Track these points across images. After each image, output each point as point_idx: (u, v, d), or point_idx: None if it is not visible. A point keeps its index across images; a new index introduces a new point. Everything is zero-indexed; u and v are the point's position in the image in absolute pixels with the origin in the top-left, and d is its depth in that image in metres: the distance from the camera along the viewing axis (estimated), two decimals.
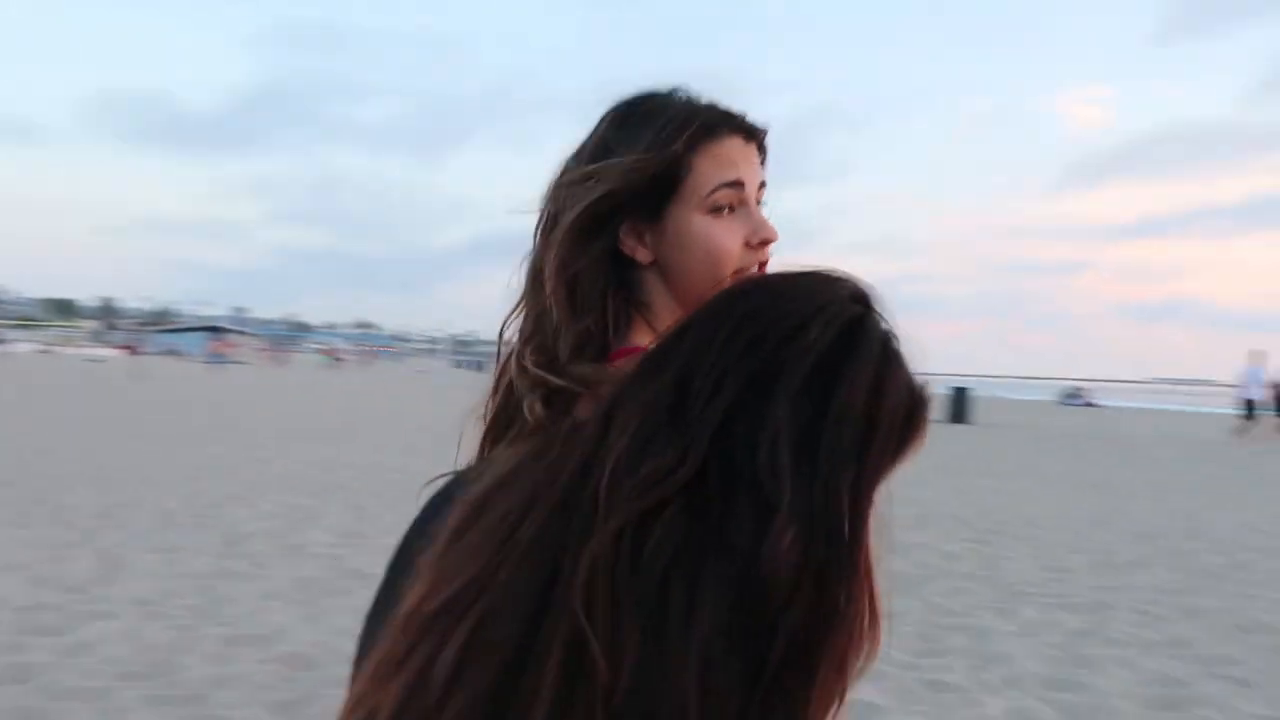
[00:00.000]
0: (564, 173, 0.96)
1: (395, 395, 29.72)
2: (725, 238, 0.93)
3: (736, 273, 0.93)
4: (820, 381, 0.65)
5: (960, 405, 24.13)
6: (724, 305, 0.70)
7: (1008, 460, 14.87)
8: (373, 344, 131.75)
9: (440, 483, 0.87)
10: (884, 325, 0.72)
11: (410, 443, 14.07)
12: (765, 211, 0.97)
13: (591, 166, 0.92)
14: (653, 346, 0.71)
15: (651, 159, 0.91)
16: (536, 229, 0.96)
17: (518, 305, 0.96)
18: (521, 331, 0.94)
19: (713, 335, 0.67)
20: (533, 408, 0.86)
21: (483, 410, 0.97)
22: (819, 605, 0.61)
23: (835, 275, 0.73)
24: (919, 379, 0.72)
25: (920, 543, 7.69)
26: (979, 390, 27.71)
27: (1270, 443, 19.17)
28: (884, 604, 0.66)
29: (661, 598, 0.60)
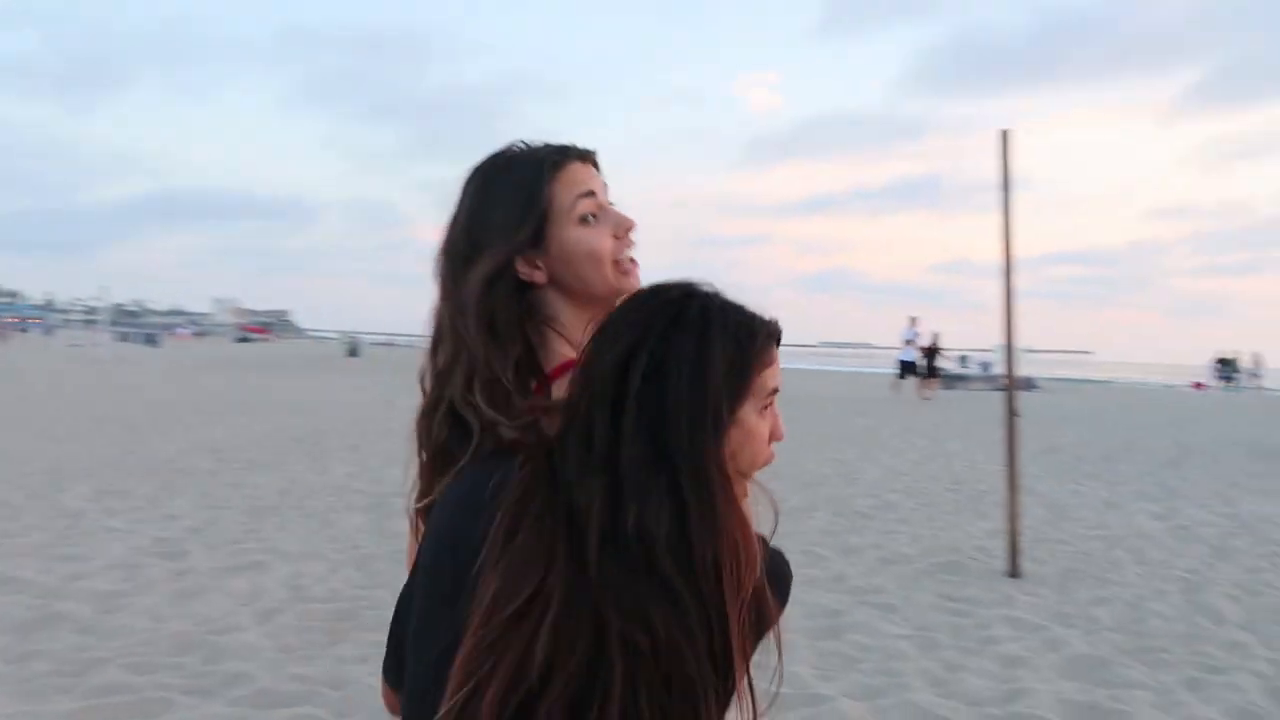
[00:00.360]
0: (448, 241, 1.15)
1: (44, 373, 26.22)
2: (597, 239, 1.16)
3: (615, 263, 1.17)
4: (650, 402, 0.93)
5: None
6: (581, 371, 0.98)
7: None
8: (14, 314, 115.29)
9: (459, 484, 1.04)
10: (699, 307, 0.98)
11: (63, 423, 12.48)
12: (617, 206, 1.19)
13: (479, 241, 1.12)
14: (565, 403, 0.98)
15: (526, 222, 1.12)
16: (440, 289, 1.15)
17: (433, 352, 1.13)
18: (462, 374, 1.09)
19: (585, 396, 0.96)
20: (500, 436, 1.05)
21: (421, 437, 1.12)
22: (705, 535, 0.91)
23: (653, 300, 0.99)
24: (749, 320, 1.00)
25: None
26: None
27: (921, 398, 21.97)
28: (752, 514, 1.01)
29: (665, 581, 0.89)
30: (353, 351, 41.84)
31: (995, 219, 6.18)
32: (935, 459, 11.74)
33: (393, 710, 1.12)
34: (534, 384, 1.11)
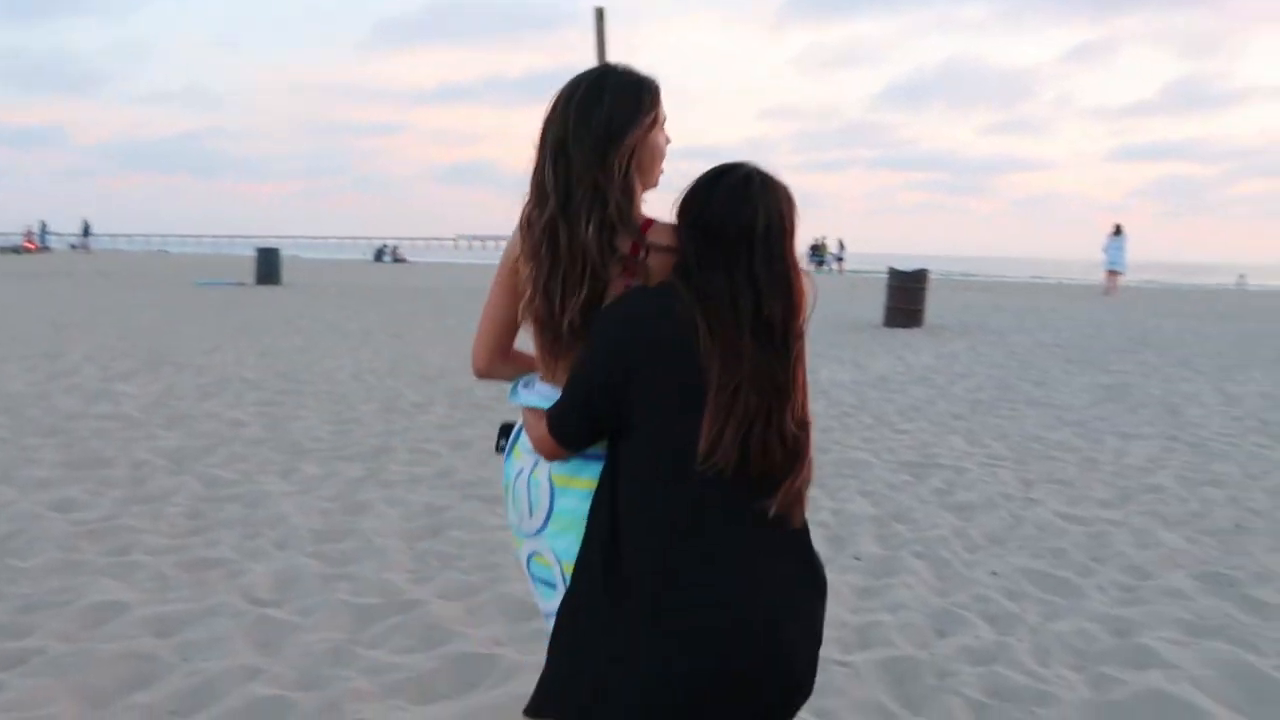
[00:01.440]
0: (584, 123, 1.72)
1: None
2: (664, 145, 1.83)
3: None
4: (770, 240, 1.67)
5: (269, 266, 23.43)
6: (708, 228, 1.69)
7: (314, 319, 14.82)
8: None
9: (641, 305, 1.71)
10: (777, 181, 1.71)
11: None
12: None
13: (623, 128, 1.74)
14: (688, 246, 1.70)
15: (653, 124, 1.78)
16: (580, 154, 1.72)
17: (561, 197, 1.74)
18: (595, 214, 1.71)
19: (718, 243, 1.67)
20: (645, 272, 1.75)
21: (555, 282, 1.74)
22: (798, 310, 1.69)
23: (749, 182, 1.69)
24: (788, 187, 1.72)
25: (207, 412, 7.16)
26: (292, 251, 27.27)
27: None
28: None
29: (779, 343, 1.68)
30: None
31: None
32: None
33: (552, 456, 1.81)
34: (632, 242, 1.73)
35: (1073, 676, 3.21)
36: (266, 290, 21.57)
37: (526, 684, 3.04)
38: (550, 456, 1.81)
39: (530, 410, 1.84)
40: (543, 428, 1.79)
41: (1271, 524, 4.97)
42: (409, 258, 48.34)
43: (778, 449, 1.67)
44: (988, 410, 8.13)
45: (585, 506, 1.78)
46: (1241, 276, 43.82)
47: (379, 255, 45.77)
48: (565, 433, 1.76)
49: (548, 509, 1.83)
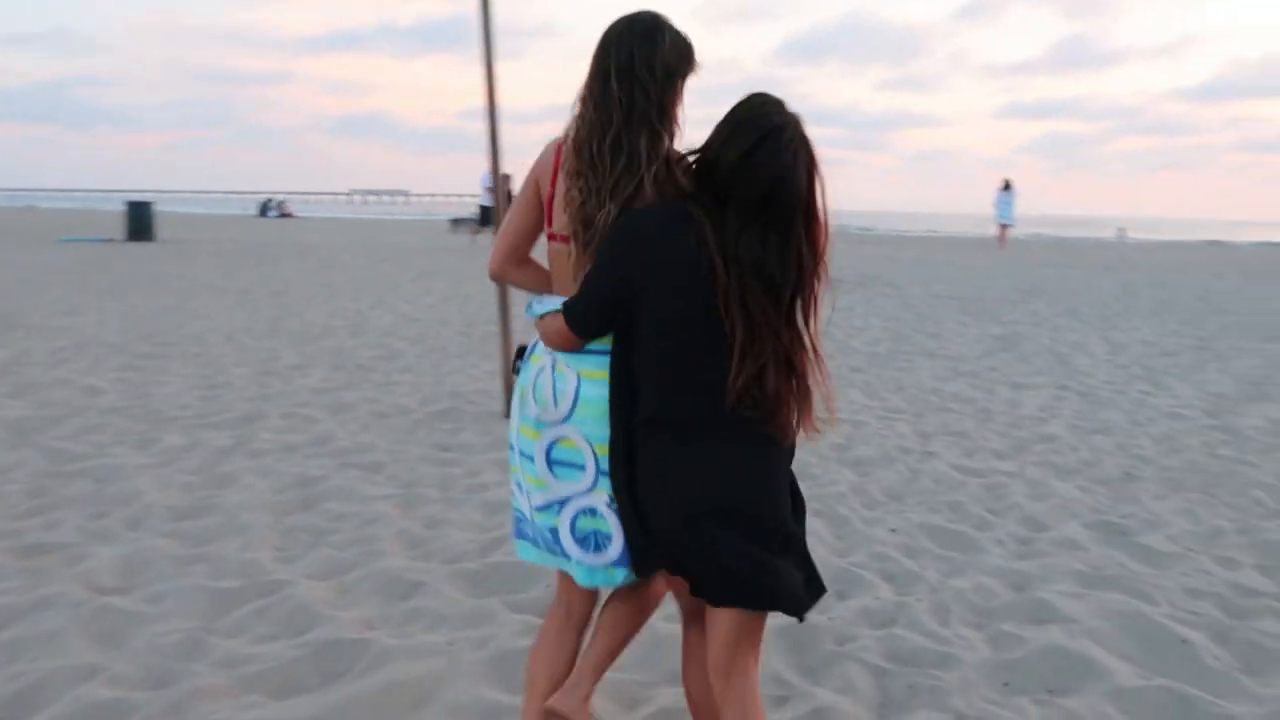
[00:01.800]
0: (651, 59, 1.92)
1: None
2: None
3: None
4: (815, 217, 1.89)
5: (141, 222, 22.07)
6: (754, 164, 1.82)
7: (188, 277, 13.97)
8: None
9: (659, 217, 1.89)
10: (792, 121, 1.85)
11: None
12: None
13: (676, 68, 1.96)
14: (717, 171, 1.85)
15: (692, 71, 1.99)
16: (644, 86, 1.92)
17: (626, 119, 1.92)
18: (654, 139, 1.92)
19: (738, 166, 1.82)
20: (679, 186, 1.94)
21: (602, 197, 1.92)
22: (817, 227, 1.90)
23: (768, 111, 1.85)
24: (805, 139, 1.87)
25: (59, 379, 6.58)
26: (171, 206, 25.79)
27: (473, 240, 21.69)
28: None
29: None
30: None
31: (479, 51, 5.65)
32: (451, 302, 11.47)
33: (566, 346, 1.99)
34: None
35: (973, 635, 3.12)
36: (137, 247, 20.32)
37: (399, 671, 2.82)
38: (564, 347, 1.99)
39: (548, 313, 2.02)
40: (559, 321, 1.97)
41: (1158, 471, 5.04)
42: (297, 213, 46.45)
43: (791, 390, 1.91)
44: (885, 363, 8.13)
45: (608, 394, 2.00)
46: (1121, 230, 45.71)
47: (264, 210, 43.75)
48: (577, 317, 1.94)
49: (573, 397, 1.99)
